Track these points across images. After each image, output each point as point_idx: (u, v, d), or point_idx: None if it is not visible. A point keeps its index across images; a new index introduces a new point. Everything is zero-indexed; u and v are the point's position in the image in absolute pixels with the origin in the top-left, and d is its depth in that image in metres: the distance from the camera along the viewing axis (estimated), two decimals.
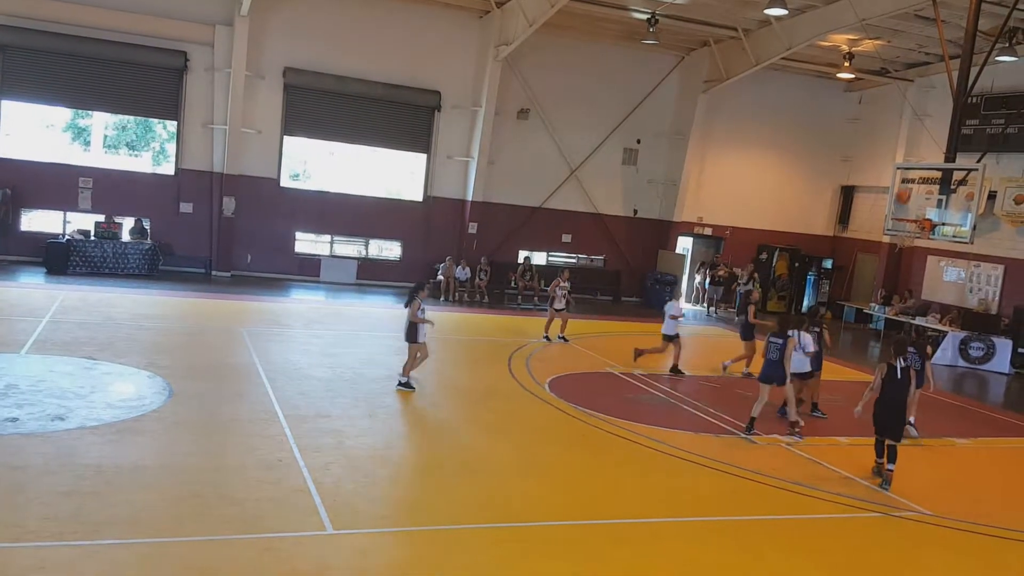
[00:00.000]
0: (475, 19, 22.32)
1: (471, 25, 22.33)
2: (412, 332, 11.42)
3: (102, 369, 11.04)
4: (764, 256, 25.98)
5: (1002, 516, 8.89)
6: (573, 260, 24.73)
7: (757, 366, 14.75)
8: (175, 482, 7.49)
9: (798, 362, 11.65)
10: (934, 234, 15.89)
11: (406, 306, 11.51)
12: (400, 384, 11.51)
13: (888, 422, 9.44)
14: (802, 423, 11.22)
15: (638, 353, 14.84)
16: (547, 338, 16.46)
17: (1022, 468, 11.46)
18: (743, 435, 10.96)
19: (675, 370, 14.61)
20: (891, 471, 9.39)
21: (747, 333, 14.94)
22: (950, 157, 16.43)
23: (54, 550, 5.98)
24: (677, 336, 14.68)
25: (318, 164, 23.61)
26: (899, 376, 9.37)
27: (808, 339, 11.75)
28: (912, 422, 11.68)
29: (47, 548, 5.99)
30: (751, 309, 15.06)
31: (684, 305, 24.75)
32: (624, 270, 25.02)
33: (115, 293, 17.01)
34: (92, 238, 19.52)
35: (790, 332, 11.25)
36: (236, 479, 7.73)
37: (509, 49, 21.40)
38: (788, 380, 10.96)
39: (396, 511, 7.47)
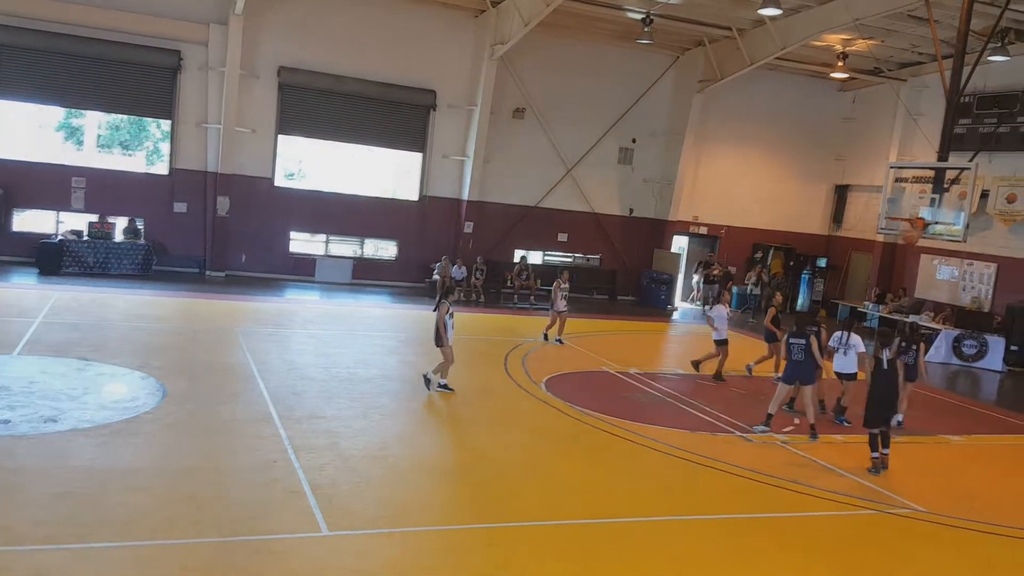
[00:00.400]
0: (471, 18, 22.30)
1: (466, 24, 22.31)
2: (443, 336, 11.39)
3: (95, 370, 10.99)
4: (759, 255, 26.05)
5: (996, 513, 8.92)
6: (569, 259, 24.74)
7: (761, 367, 14.91)
8: (169, 484, 7.46)
9: (845, 363, 11.76)
10: (927, 232, 15.94)
11: (434, 310, 11.54)
12: (440, 386, 11.56)
13: (879, 415, 9.78)
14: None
15: (717, 376, 14.41)
16: (545, 337, 16.43)
17: (1015, 465, 11.50)
18: (762, 425, 11.13)
19: (696, 364, 14.61)
20: (886, 454, 9.83)
21: (768, 336, 14.68)
22: (943, 156, 16.49)
23: (47, 553, 5.95)
24: (725, 340, 14.38)
25: (313, 163, 23.57)
26: (885, 367, 9.76)
27: (858, 339, 11.84)
28: (900, 420, 11.82)
29: (40, 551, 5.96)
30: (771, 311, 14.70)
31: (684, 304, 24.94)
32: (620, 269, 25.04)
33: (108, 293, 16.95)
34: (85, 238, 19.45)
35: (839, 333, 11.81)
36: (230, 481, 7.70)
37: (504, 48, 21.38)
38: (816, 382, 11.19)
39: (391, 512, 7.44)
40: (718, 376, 14.33)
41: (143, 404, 9.68)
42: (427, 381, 11.54)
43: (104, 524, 6.48)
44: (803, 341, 10.93)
